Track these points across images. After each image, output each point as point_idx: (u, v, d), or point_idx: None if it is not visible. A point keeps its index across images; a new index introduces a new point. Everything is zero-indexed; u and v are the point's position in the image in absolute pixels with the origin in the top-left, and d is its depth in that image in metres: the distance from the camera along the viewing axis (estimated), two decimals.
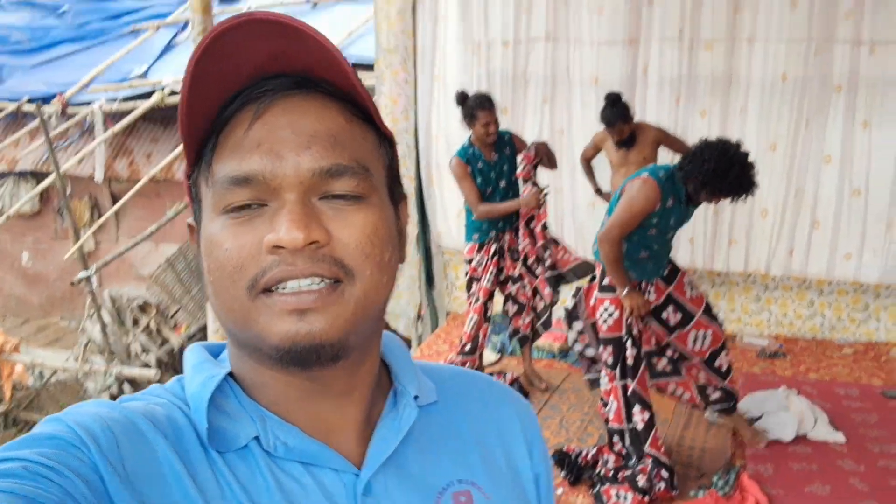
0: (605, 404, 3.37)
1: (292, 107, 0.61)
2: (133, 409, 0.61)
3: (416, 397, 0.70)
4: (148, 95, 7.41)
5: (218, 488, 0.59)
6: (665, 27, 4.84)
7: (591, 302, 3.39)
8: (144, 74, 7.86)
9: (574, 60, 5.02)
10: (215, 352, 0.70)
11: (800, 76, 4.70)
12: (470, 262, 4.19)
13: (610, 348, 3.28)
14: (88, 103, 7.69)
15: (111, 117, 7.56)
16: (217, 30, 0.57)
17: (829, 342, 5.11)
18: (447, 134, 5.16)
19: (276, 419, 0.64)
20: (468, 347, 4.22)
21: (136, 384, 6.22)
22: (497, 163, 4.05)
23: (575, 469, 3.38)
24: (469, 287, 4.21)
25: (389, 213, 0.65)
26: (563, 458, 3.42)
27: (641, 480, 3.18)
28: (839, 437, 3.69)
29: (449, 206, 5.36)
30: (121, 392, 6.22)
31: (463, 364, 4.15)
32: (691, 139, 4.60)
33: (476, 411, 0.76)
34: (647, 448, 3.22)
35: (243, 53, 0.59)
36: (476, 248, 4.14)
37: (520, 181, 4.05)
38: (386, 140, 0.68)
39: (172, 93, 7.21)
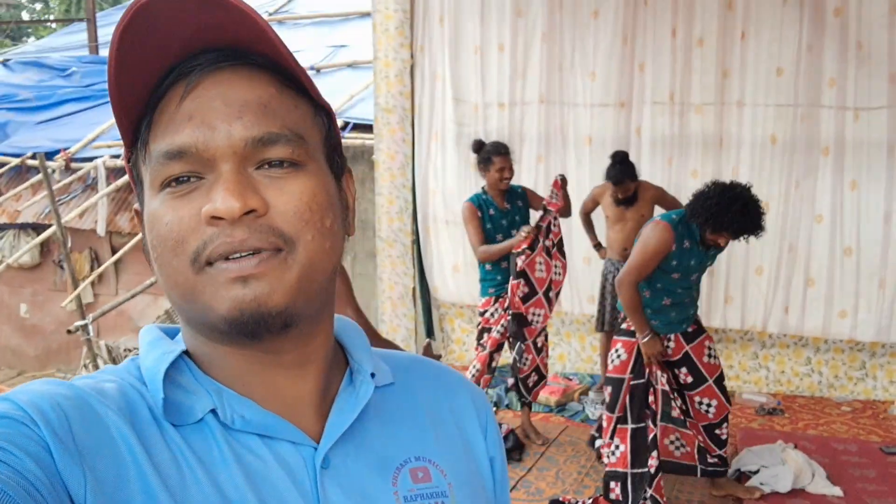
0: (606, 453, 3.37)
1: (223, 79, 0.61)
2: (84, 385, 0.60)
3: (372, 375, 0.70)
4: None
5: (174, 462, 0.59)
6: (656, 91, 5.01)
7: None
8: None
9: (568, 121, 5.17)
10: (171, 333, 0.69)
11: (788, 138, 4.83)
12: (482, 313, 4.21)
13: (609, 388, 3.35)
14: (92, 159, 7.80)
15: (114, 173, 7.66)
16: (138, 3, 0.56)
17: (827, 400, 5.12)
18: (444, 189, 5.26)
19: (233, 393, 0.63)
20: None
21: None
22: (509, 212, 4.13)
23: None
24: (479, 338, 4.23)
25: (328, 180, 0.65)
26: None
27: None
28: (837, 491, 3.67)
29: (445, 261, 5.43)
30: None
31: None
32: (684, 198, 4.71)
33: (432, 394, 0.76)
34: (650, 493, 3.21)
35: (170, 27, 0.59)
36: (492, 300, 4.18)
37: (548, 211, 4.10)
38: (322, 111, 0.67)
39: None
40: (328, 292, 0.67)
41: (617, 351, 3.34)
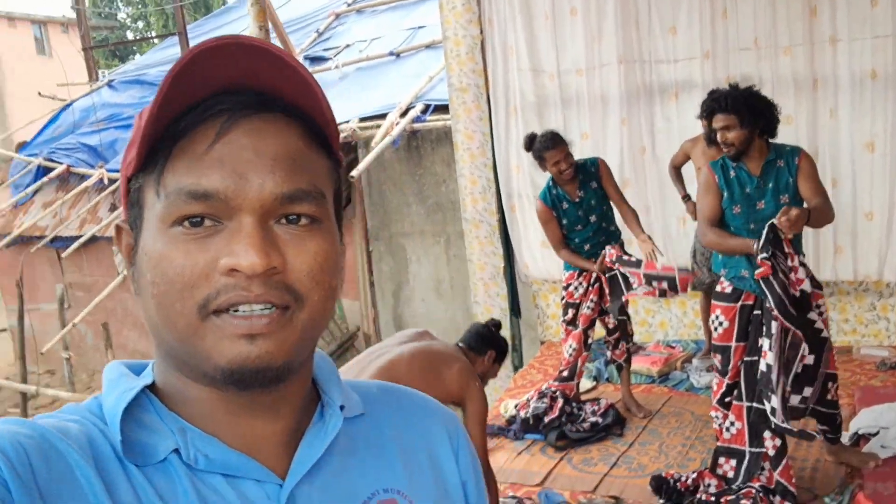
0: (717, 419, 3.25)
1: (256, 128, 0.61)
2: (46, 424, 0.60)
3: (341, 407, 0.70)
4: None
5: (136, 501, 0.58)
6: (741, 38, 4.72)
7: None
8: None
9: (652, 79, 4.96)
10: (137, 369, 0.69)
11: (890, 72, 4.46)
12: (566, 287, 4.13)
13: (719, 356, 3.22)
14: None
15: None
16: (203, 47, 0.57)
17: None
18: (526, 164, 5.17)
19: (197, 431, 0.63)
20: (566, 374, 4.18)
21: None
22: (583, 199, 3.97)
23: (674, 495, 3.25)
24: (565, 313, 4.16)
25: (337, 238, 0.66)
26: (660, 484, 3.30)
27: None
28: None
29: (532, 238, 5.35)
30: None
31: (563, 393, 4.10)
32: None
33: (402, 422, 0.76)
34: (777, 476, 3.06)
35: (218, 71, 0.59)
36: (575, 274, 4.08)
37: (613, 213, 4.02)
38: (337, 164, 0.68)
39: None
40: (315, 343, 0.68)
41: (717, 318, 3.19)
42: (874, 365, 4.60)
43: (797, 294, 2.97)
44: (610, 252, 3.90)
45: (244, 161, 0.60)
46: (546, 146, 3.85)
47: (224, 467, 0.62)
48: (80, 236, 7.94)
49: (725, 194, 3.12)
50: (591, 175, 3.99)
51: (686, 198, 4.61)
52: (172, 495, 0.60)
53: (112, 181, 8.50)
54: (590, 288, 4.03)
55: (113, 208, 8.38)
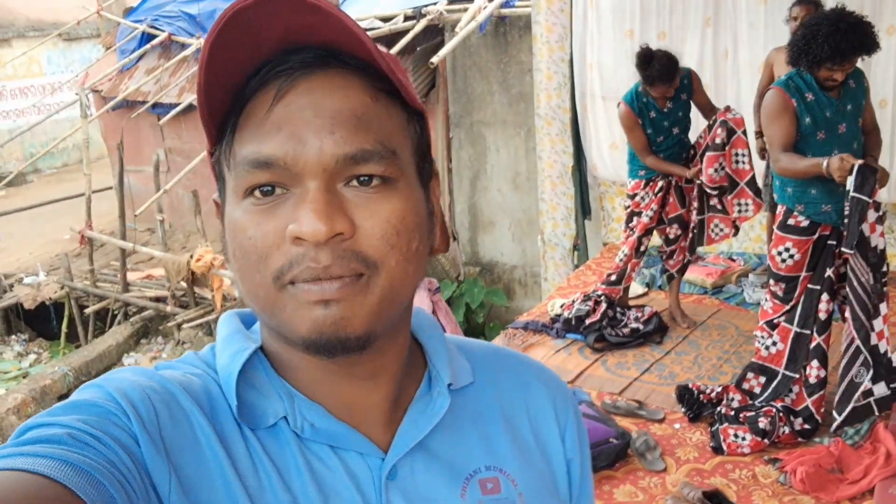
0: (761, 336, 3.27)
1: (315, 86, 0.59)
2: (171, 378, 0.61)
3: (449, 385, 0.69)
4: None
5: (251, 464, 0.60)
6: None
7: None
8: None
9: None
10: (251, 321, 0.70)
11: None
12: (633, 196, 4.11)
13: (782, 285, 3.15)
14: None
15: None
16: (236, 6, 0.55)
17: None
18: (600, 63, 5.04)
19: (304, 398, 0.64)
20: (613, 278, 4.24)
21: None
22: (671, 110, 3.86)
23: (696, 406, 3.35)
24: (629, 221, 4.16)
25: (418, 197, 0.63)
26: (683, 394, 3.39)
27: (763, 422, 3.10)
28: None
29: (603, 139, 5.28)
30: None
31: (608, 297, 4.18)
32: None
33: (509, 393, 0.75)
34: (809, 402, 3.11)
35: (263, 28, 0.57)
36: (642, 184, 4.05)
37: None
38: (415, 115, 0.64)
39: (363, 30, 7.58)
40: (408, 309, 0.67)
41: (787, 250, 3.10)
42: None
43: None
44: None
45: (302, 122, 0.58)
46: (664, 78, 3.67)
47: (329, 438, 0.63)
48: (179, 104, 8.31)
49: (808, 119, 2.92)
50: (683, 87, 3.85)
51: (759, 133, 4.42)
52: (282, 461, 0.61)
53: None
54: (653, 197, 4.01)
55: None
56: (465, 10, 6.84)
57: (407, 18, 7.24)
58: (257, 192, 0.59)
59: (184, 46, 8.98)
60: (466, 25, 6.54)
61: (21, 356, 7.69)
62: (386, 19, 7.44)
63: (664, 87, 3.71)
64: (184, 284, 7.16)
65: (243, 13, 0.55)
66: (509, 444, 0.71)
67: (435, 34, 7.25)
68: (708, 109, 3.94)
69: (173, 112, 8.15)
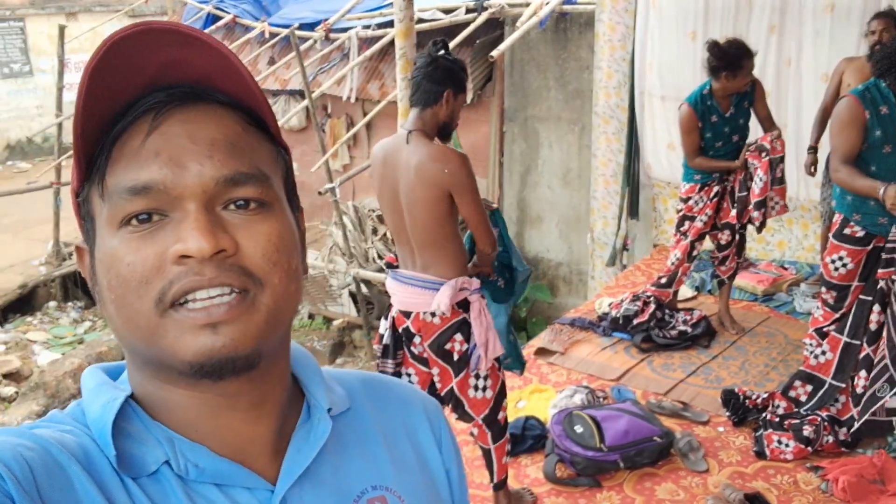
0: (810, 346, 3.29)
1: (189, 117, 0.61)
2: (45, 436, 0.59)
3: (329, 409, 0.70)
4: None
5: None
6: None
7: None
8: None
9: None
10: (115, 373, 0.68)
11: None
12: (686, 200, 4.10)
13: (834, 293, 3.18)
14: (347, 30, 8.43)
15: (366, 43, 8.24)
16: (113, 38, 0.56)
17: None
18: (660, 63, 5.05)
19: (185, 440, 0.62)
20: (664, 281, 4.27)
21: (371, 284, 7.00)
22: (733, 116, 3.85)
23: (740, 410, 3.39)
24: (680, 224, 4.15)
25: (291, 221, 0.66)
26: (729, 398, 3.43)
27: (807, 430, 3.13)
28: None
29: (660, 138, 5.29)
30: (358, 289, 7.04)
31: (657, 299, 4.21)
32: None
33: (385, 414, 0.77)
34: (855, 412, 3.12)
35: (139, 63, 0.58)
36: (697, 188, 4.03)
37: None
38: (282, 151, 0.68)
39: (420, 20, 7.67)
40: (288, 332, 0.68)
41: (841, 259, 3.12)
42: None
43: None
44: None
45: (180, 148, 0.59)
46: (734, 69, 3.64)
47: (214, 476, 0.62)
48: None
49: (878, 132, 2.92)
50: (747, 94, 3.84)
51: (812, 150, 4.38)
52: None
53: (273, 35, 8.93)
54: (709, 202, 4.01)
55: (272, 62, 8.86)
56: (527, 4, 6.89)
57: (468, 11, 7.30)
58: (134, 221, 0.59)
59: (248, 29, 9.17)
60: (528, 20, 6.59)
61: (76, 323, 7.97)
62: (447, 11, 7.52)
63: (745, 74, 3.68)
64: None
65: (124, 42, 0.56)
66: (392, 462, 0.73)
67: (495, 27, 7.31)
68: (767, 122, 3.94)
69: None
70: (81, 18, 13.76)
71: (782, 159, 3.84)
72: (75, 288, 8.57)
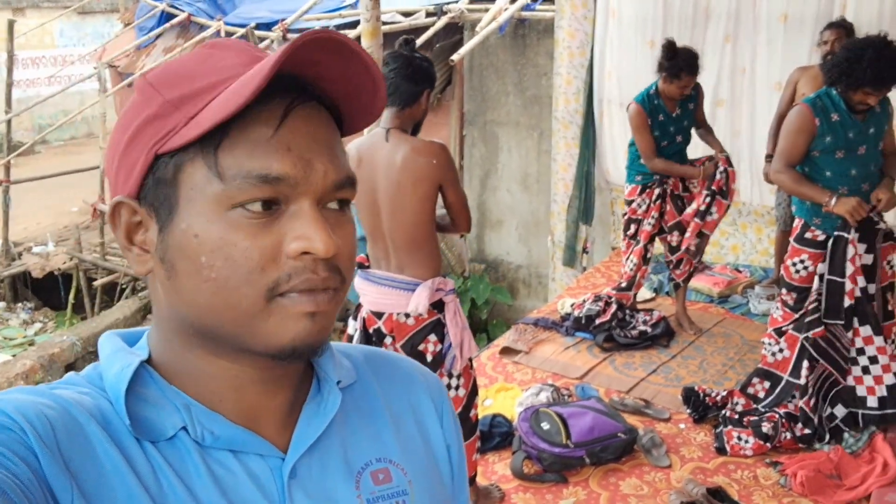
0: (768, 343, 3.38)
1: (309, 115, 0.63)
2: (65, 395, 0.61)
3: (338, 382, 0.72)
4: (356, 25, 7.94)
5: (154, 476, 0.61)
6: None
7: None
8: (354, 5, 8.40)
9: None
10: (132, 339, 0.70)
11: None
12: (630, 203, 4.21)
13: (794, 294, 3.26)
14: (305, 30, 8.37)
15: None
16: (327, 34, 0.59)
17: None
18: (619, 70, 5.15)
19: (201, 407, 0.65)
20: (624, 285, 4.35)
21: None
22: (679, 116, 3.98)
23: (701, 407, 3.47)
24: (626, 228, 4.26)
25: None
26: (690, 396, 3.51)
27: (766, 427, 3.22)
28: None
29: (618, 143, 5.39)
30: None
31: (618, 300, 4.29)
32: None
33: (390, 388, 0.79)
34: (802, 404, 3.23)
35: (327, 67, 0.62)
36: (638, 189, 4.14)
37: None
38: None
39: (384, 23, 7.67)
40: None
41: (802, 262, 3.21)
42: None
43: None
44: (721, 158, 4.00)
45: (307, 148, 0.62)
46: (691, 70, 3.79)
47: (229, 443, 0.65)
48: None
49: (829, 139, 3.02)
50: (692, 97, 3.99)
51: (769, 157, 4.53)
52: (185, 471, 0.62)
53: (229, 34, 8.82)
54: (651, 204, 4.12)
55: None
56: (487, 10, 6.95)
57: (428, 15, 7.34)
58: (256, 206, 0.60)
59: (202, 28, 9.04)
60: (487, 26, 6.65)
61: (27, 324, 7.76)
62: (407, 14, 7.55)
63: (688, 79, 3.82)
64: None
65: (329, 42, 0.60)
66: (396, 435, 0.76)
67: (454, 32, 7.36)
68: (704, 125, 4.14)
69: None
70: (29, 14, 13.39)
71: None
72: (25, 289, 8.33)
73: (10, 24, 7.74)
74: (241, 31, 8.76)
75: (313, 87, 0.64)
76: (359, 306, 2.70)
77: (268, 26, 8.61)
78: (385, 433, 0.75)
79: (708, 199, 4.00)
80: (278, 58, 0.57)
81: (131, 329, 0.72)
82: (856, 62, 2.86)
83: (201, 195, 0.61)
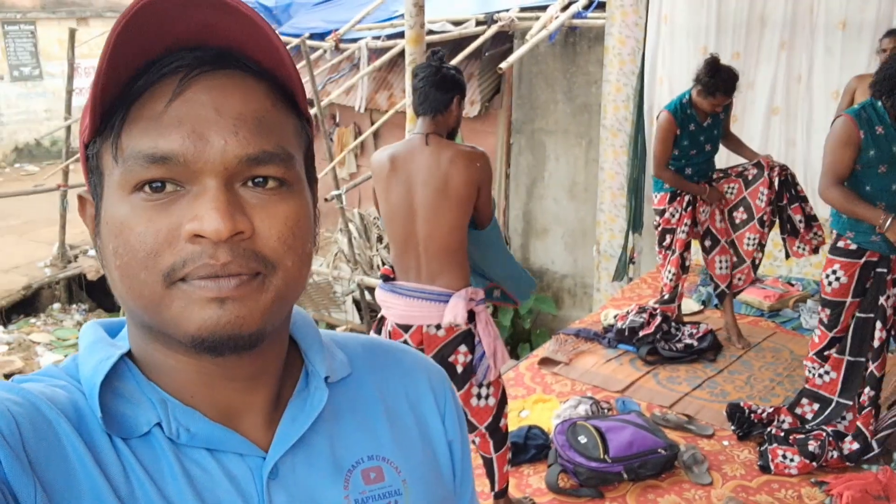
0: (812, 369, 3.28)
1: (217, 85, 0.58)
2: (34, 391, 0.58)
3: (326, 378, 0.69)
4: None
5: (124, 475, 0.58)
6: None
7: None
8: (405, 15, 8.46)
9: (819, 3, 4.65)
10: (114, 330, 0.67)
11: None
12: (661, 213, 4.14)
13: (828, 311, 3.18)
14: (357, 40, 8.47)
15: (375, 53, 8.28)
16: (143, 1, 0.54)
17: None
18: (670, 77, 5.06)
19: (178, 403, 0.62)
20: (667, 297, 4.27)
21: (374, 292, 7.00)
22: (710, 126, 3.93)
23: (745, 424, 3.36)
24: (662, 239, 4.19)
25: (309, 201, 0.64)
26: (734, 412, 3.41)
27: (812, 445, 3.10)
28: None
29: None
30: (362, 296, 7.03)
31: (662, 312, 4.20)
32: None
33: (388, 381, 0.75)
34: (859, 422, 3.12)
35: (176, 21, 0.56)
36: (668, 197, 4.07)
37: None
38: (305, 121, 0.66)
39: (430, 32, 7.70)
40: (291, 309, 0.67)
41: (835, 273, 3.11)
42: None
43: None
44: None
45: (204, 120, 0.57)
46: (727, 90, 3.74)
47: (206, 441, 0.62)
48: None
49: (872, 152, 2.91)
50: (725, 107, 3.93)
51: None
52: (157, 470, 0.60)
53: (286, 44, 8.96)
54: (683, 213, 4.04)
55: None
56: (537, 18, 6.92)
57: (479, 23, 7.34)
58: (147, 188, 0.57)
59: None
60: (537, 34, 6.62)
61: (80, 325, 7.97)
62: (457, 23, 7.56)
63: (723, 98, 3.77)
64: None
65: (156, 2, 0.54)
66: (391, 431, 0.72)
67: (504, 40, 7.34)
68: (728, 134, 4.11)
69: None
70: (92, 23, 13.86)
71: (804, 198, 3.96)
72: (80, 291, 8.58)
73: (72, 34, 7.99)
74: (296, 41, 8.89)
75: (242, 55, 0.59)
76: (382, 318, 2.65)
77: (321, 36, 8.74)
78: (379, 429, 0.72)
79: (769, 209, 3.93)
80: (114, 31, 0.54)
81: (115, 319, 0.70)
82: None
83: (109, 180, 0.59)
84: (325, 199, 6.52)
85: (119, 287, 0.60)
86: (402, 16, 8.52)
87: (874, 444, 3.10)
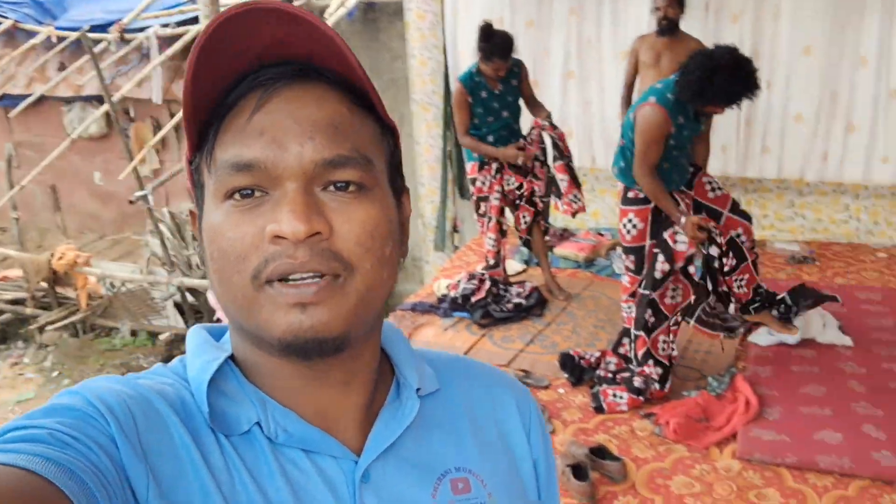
0: (627, 309, 3.53)
1: (294, 95, 0.61)
2: (147, 385, 0.63)
3: (417, 389, 0.71)
4: (197, 20, 7.61)
5: (227, 470, 0.61)
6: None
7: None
8: (193, 0, 8.05)
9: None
10: (218, 334, 0.72)
11: None
12: (473, 182, 4.30)
13: (632, 257, 3.42)
14: (143, 29, 7.95)
15: (165, 42, 7.82)
16: (222, 16, 0.58)
17: (863, 246, 5.10)
18: (472, 49, 5.17)
19: (276, 404, 0.65)
20: (492, 262, 4.43)
21: (197, 293, 6.70)
22: (502, 93, 4.10)
23: (577, 371, 3.59)
24: (478, 207, 4.35)
25: (391, 205, 0.66)
26: (566, 361, 3.63)
27: (638, 381, 3.37)
28: (846, 341, 3.77)
29: None
30: (184, 299, 6.71)
31: (491, 277, 4.36)
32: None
33: (474, 398, 0.77)
34: (649, 348, 3.38)
35: (246, 40, 0.59)
36: (477, 166, 4.24)
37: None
38: (388, 130, 0.68)
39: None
40: (380, 315, 0.69)
41: (630, 221, 3.36)
42: (784, 259, 4.94)
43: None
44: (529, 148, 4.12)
45: (282, 128, 0.60)
46: (502, 55, 3.89)
47: (302, 442, 0.65)
48: (29, 95, 7.80)
49: (674, 141, 3.16)
50: (514, 73, 4.11)
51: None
52: (257, 467, 0.63)
53: (60, 39, 8.25)
54: (493, 180, 4.22)
55: (62, 67, 8.19)
56: None
57: None
58: (237, 195, 0.61)
59: (31, 34, 8.41)
60: (335, 12, 6.54)
61: None
62: None
63: (500, 63, 3.93)
64: (44, 284, 6.78)
65: (232, 21, 0.58)
66: (477, 446, 0.74)
67: None
68: (531, 100, 4.26)
69: (24, 104, 7.64)
70: None
71: (570, 158, 4.19)
72: None
73: None
74: (75, 35, 8.21)
75: (319, 67, 0.63)
76: None
77: (103, 28, 8.11)
78: (466, 443, 0.73)
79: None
80: (195, 50, 0.58)
81: (218, 324, 0.73)
82: (708, 83, 2.95)
83: (207, 192, 0.64)
84: (130, 202, 6.14)
85: (218, 291, 0.64)
86: (189, 1, 8.11)
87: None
